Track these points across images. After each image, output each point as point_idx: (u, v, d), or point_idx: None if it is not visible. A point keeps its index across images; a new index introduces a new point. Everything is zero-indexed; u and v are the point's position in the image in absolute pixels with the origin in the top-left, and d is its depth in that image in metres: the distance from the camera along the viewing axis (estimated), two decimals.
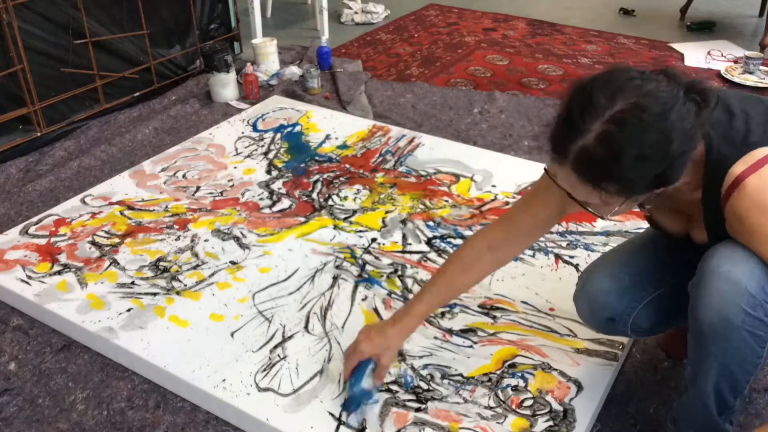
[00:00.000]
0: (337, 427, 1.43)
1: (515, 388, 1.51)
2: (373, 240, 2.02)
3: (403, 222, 2.10)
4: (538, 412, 1.45)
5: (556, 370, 1.55)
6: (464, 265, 1.44)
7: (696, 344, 1.25)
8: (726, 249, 1.19)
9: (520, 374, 1.55)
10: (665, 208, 1.36)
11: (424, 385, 1.53)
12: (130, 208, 2.20)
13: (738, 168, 1.13)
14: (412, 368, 1.57)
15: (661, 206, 1.36)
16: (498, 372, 1.56)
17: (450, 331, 1.68)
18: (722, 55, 3.52)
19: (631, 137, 1.04)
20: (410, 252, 1.97)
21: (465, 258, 1.44)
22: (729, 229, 1.19)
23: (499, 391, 1.51)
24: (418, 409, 1.47)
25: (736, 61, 3.43)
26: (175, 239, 2.04)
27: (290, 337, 1.67)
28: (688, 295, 1.26)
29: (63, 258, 1.96)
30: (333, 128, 2.70)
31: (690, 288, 1.24)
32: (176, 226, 2.10)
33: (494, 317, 1.72)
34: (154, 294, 1.82)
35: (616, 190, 1.09)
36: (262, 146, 2.57)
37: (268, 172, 2.40)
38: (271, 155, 2.51)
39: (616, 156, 1.05)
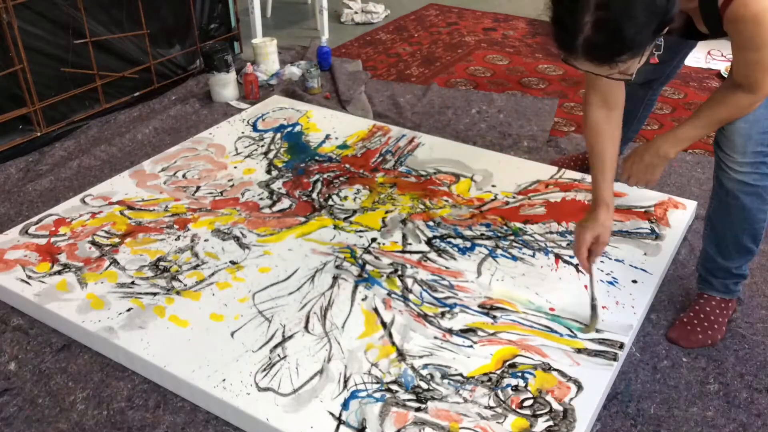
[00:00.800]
0: (337, 427, 1.43)
1: (515, 388, 1.51)
2: (373, 240, 2.02)
3: (403, 222, 2.10)
4: (538, 412, 1.45)
5: (556, 370, 1.55)
6: (601, 132, 1.67)
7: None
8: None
9: (520, 374, 1.55)
10: None
11: (424, 385, 1.53)
12: (130, 207, 2.20)
13: None
14: (412, 368, 1.57)
15: None
16: (498, 372, 1.56)
17: (450, 331, 1.68)
18: (722, 55, 3.53)
19: (621, 15, 1.20)
20: (410, 252, 1.97)
21: (598, 128, 1.68)
22: (726, 27, 1.41)
23: (499, 391, 1.51)
24: (418, 409, 1.47)
25: None
26: (175, 239, 2.04)
27: (290, 337, 1.67)
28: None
29: (63, 258, 1.96)
30: (333, 128, 2.70)
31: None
32: (176, 226, 2.10)
33: (494, 317, 1.72)
34: (154, 294, 1.82)
35: (629, 57, 1.26)
36: (262, 146, 2.57)
37: (268, 172, 2.40)
38: (271, 155, 2.51)
39: (616, 35, 1.21)
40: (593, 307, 1.68)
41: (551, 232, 2.03)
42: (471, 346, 1.63)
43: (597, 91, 1.66)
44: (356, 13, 4.23)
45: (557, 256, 1.93)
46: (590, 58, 1.25)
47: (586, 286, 1.79)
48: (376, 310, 1.75)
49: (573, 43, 1.24)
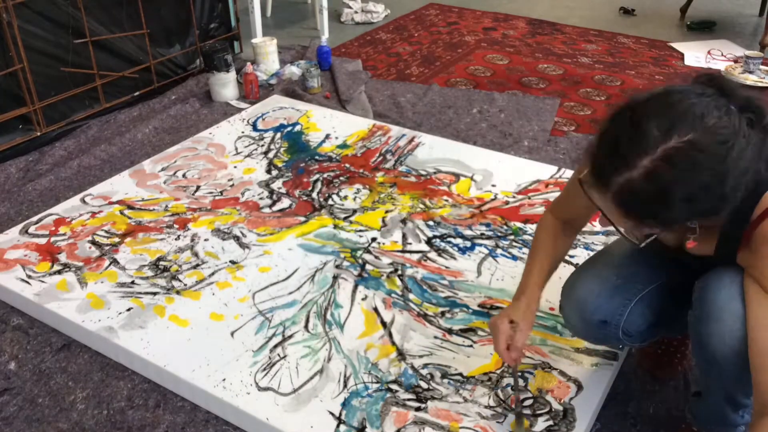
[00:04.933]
0: (337, 427, 1.43)
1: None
2: (373, 239, 2.02)
3: (403, 221, 2.10)
4: (538, 412, 1.45)
5: (556, 369, 1.55)
6: (554, 234, 1.42)
7: (706, 368, 1.21)
8: (729, 283, 1.13)
9: (520, 374, 1.54)
10: None
11: (424, 385, 1.53)
12: (130, 207, 2.20)
13: None
14: (412, 367, 1.57)
15: None
16: (498, 371, 1.56)
17: (450, 331, 1.68)
18: (722, 55, 3.52)
19: (682, 179, 0.96)
20: (410, 251, 1.97)
21: (550, 229, 1.43)
22: (742, 255, 1.10)
23: (499, 391, 1.51)
24: (418, 409, 1.47)
25: (736, 61, 3.43)
26: (175, 239, 2.04)
27: (290, 337, 1.67)
28: (680, 293, 1.24)
29: (63, 257, 1.96)
30: (333, 128, 2.70)
31: (692, 318, 1.20)
32: (176, 226, 2.10)
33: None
34: (154, 293, 1.82)
35: (655, 223, 1.04)
36: (262, 146, 2.57)
37: (268, 171, 2.40)
38: (271, 155, 2.51)
39: (664, 196, 0.98)
40: (518, 415, 1.41)
41: None
42: (471, 346, 1.63)
43: (568, 214, 1.41)
44: (356, 12, 4.23)
45: None
46: (619, 201, 1.01)
47: (512, 390, 1.50)
48: (376, 309, 1.75)
49: (612, 176, 0.99)
